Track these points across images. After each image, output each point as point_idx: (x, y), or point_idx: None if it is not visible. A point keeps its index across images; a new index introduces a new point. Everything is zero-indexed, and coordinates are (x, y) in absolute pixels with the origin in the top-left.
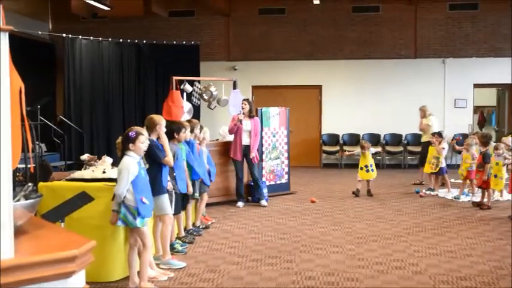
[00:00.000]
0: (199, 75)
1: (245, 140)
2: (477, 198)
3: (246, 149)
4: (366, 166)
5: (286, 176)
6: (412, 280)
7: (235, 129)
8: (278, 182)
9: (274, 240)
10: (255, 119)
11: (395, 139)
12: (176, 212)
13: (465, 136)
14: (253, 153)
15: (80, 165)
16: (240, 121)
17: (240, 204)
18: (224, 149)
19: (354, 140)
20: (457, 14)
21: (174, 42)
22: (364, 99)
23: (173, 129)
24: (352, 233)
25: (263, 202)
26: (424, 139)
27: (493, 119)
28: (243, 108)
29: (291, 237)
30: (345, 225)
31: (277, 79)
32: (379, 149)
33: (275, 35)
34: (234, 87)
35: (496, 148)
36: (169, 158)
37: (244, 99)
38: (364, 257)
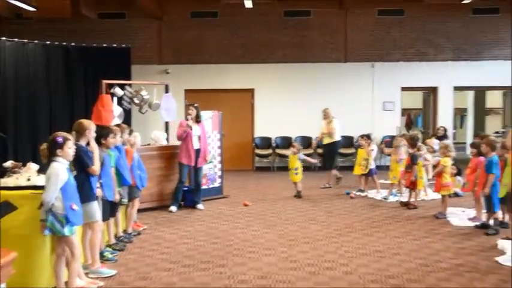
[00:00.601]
0: (130, 79)
1: (196, 144)
2: (405, 198)
3: (196, 153)
4: (290, 169)
5: (219, 180)
6: (343, 280)
7: (185, 135)
8: (211, 186)
9: (206, 245)
10: (202, 123)
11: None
12: (104, 219)
13: (393, 138)
14: (207, 157)
15: (3, 173)
16: (190, 127)
17: (174, 208)
18: (157, 154)
19: (286, 143)
20: (385, 19)
21: (104, 45)
22: (297, 102)
23: (100, 134)
24: (285, 235)
25: (200, 206)
26: (327, 141)
27: (419, 121)
28: (189, 114)
29: (224, 241)
30: (278, 227)
31: (210, 83)
32: (310, 159)
33: (208, 39)
34: (166, 91)
35: (418, 149)
36: (96, 167)
37: (190, 105)
38: (296, 258)
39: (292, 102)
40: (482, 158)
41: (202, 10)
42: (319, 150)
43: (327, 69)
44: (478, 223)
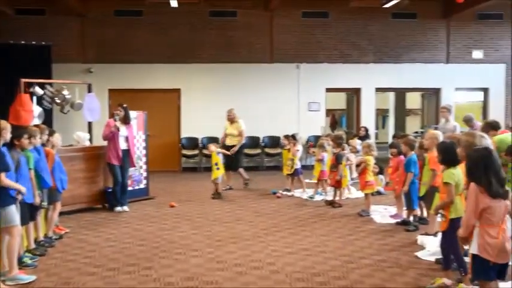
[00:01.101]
0: (51, 78)
1: (122, 145)
2: (330, 197)
3: (123, 154)
4: (212, 166)
5: (144, 181)
6: (269, 279)
7: (111, 136)
8: (136, 187)
9: (132, 247)
10: (130, 124)
11: (253, 142)
12: (24, 223)
13: (318, 138)
14: (134, 158)
15: None
16: (118, 128)
17: (120, 208)
18: (80, 155)
19: (213, 143)
20: (310, 21)
21: (23, 42)
22: (224, 102)
23: (13, 135)
24: (212, 236)
25: (126, 208)
26: (230, 143)
27: (343, 121)
28: (117, 115)
29: (150, 243)
30: (205, 228)
31: (135, 82)
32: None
33: (133, 37)
34: (89, 91)
35: (342, 149)
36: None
37: (119, 105)
38: (224, 259)
39: (219, 102)
40: (402, 157)
41: (126, 8)
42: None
43: (253, 70)
44: (399, 220)
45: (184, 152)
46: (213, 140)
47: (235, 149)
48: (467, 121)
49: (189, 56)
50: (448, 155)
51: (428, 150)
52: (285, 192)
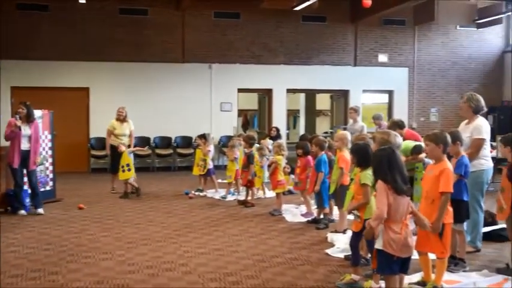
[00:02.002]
0: None
1: (24, 145)
2: (242, 196)
3: (26, 155)
4: (122, 166)
5: (51, 183)
6: (182, 281)
7: (13, 136)
8: (42, 189)
9: (37, 252)
10: (35, 123)
11: (165, 142)
12: None
13: (230, 138)
14: (36, 160)
15: None
16: (19, 127)
17: (23, 212)
18: None
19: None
20: (221, 21)
21: None
22: (134, 101)
23: None
24: (122, 238)
25: (41, 210)
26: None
27: (255, 121)
28: (19, 113)
29: (57, 247)
30: (115, 230)
31: (41, 80)
32: (139, 148)
33: (39, 33)
34: None
35: (261, 149)
36: None
37: (21, 103)
38: (135, 261)
39: (129, 102)
40: (309, 158)
41: (30, 2)
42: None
43: (165, 69)
44: (309, 218)
45: (94, 152)
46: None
47: (134, 149)
48: (376, 119)
49: (99, 54)
50: (362, 157)
51: (338, 150)
52: (197, 193)
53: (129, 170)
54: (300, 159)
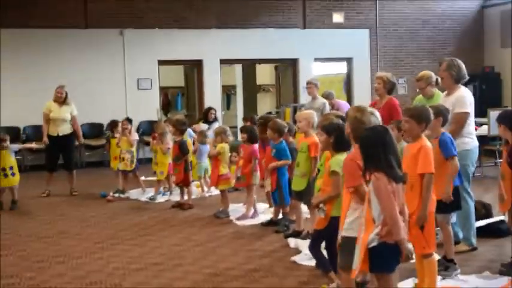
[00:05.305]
0: None
1: None
2: (176, 197)
3: None
4: (4, 169)
5: None
6: None
7: None
8: None
9: None
10: None
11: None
12: None
13: (153, 123)
14: None
15: None
16: None
17: None
18: None
19: (12, 134)
20: None
21: None
22: (22, 80)
23: None
24: (28, 256)
25: None
26: (65, 131)
27: (178, 101)
28: None
29: None
30: (17, 247)
31: None
32: (29, 145)
33: None
34: None
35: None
36: None
37: None
38: (51, 285)
39: (15, 80)
40: (255, 146)
41: None
42: None
43: (62, 38)
44: (264, 220)
45: None
46: (12, 131)
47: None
48: (326, 97)
49: None
50: (339, 138)
51: (304, 135)
52: (117, 194)
53: (12, 174)
54: (243, 147)
